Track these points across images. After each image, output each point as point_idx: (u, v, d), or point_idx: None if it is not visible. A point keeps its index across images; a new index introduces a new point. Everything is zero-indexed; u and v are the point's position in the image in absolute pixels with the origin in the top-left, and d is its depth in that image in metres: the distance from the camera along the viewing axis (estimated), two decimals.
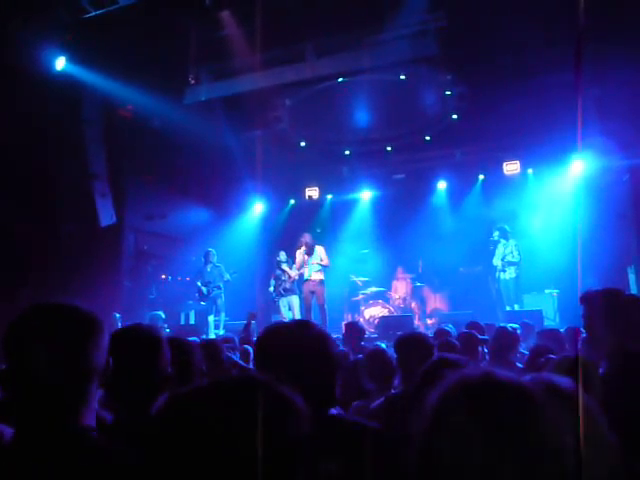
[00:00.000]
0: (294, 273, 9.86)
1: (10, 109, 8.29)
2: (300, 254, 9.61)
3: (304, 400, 1.55)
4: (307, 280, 9.56)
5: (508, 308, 9.60)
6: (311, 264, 9.47)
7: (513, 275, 9.78)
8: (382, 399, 2.80)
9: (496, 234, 10.03)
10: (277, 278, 10.25)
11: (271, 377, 1.02)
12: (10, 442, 1.27)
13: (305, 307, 9.57)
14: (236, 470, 0.89)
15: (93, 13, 8.48)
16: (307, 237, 9.62)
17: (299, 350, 1.61)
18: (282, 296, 10.06)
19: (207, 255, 10.48)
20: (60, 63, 9.04)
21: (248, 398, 0.94)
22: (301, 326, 1.73)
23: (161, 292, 11.34)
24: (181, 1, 8.35)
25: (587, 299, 2.60)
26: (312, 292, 9.44)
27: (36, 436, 1.23)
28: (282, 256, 10.24)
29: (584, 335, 3.10)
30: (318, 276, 9.49)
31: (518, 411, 0.89)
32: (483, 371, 0.96)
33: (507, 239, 9.97)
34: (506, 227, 10.11)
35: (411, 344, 3.07)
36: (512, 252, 9.82)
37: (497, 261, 9.96)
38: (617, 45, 8.09)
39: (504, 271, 9.85)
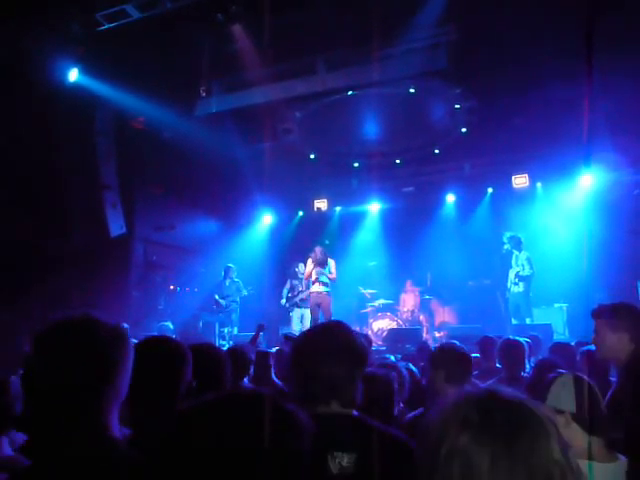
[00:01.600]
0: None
1: (23, 120, 8.40)
2: (309, 265, 9.60)
3: (329, 397, 1.57)
4: (313, 293, 9.53)
5: (514, 322, 9.53)
6: (320, 275, 9.44)
7: (521, 290, 9.64)
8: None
9: (507, 246, 9.95)
10: (293, 288, 10.39)
11: (275, 392, 1.03)
12: (25, 449, 1.30)
13: (313, 319, 9.56)
14: None
15: (107, 26, 8.60)
16: (319, 251, 9.59)
17: (328, 350, 1.66)
18: (297, 307, 10.19)
19: (227, 270, 10.94)
20: (73, 75, 9.15)
21: (251, 414, 0.95)
22: (332, 327, 1.77)
23: (169, 303, 11.37)
24: (193, 15, 8.43)
25: (599, 313, 2.59)
26: (318, 305, 9.41)
27: (55, 442, 1.23)
28: (301, 267, 10.38)
29: (592, 349, 3.08)
30: (325, 289, 9.48)
31: (525, 430, 0.89)
32: (487, 389, 0.96)
33: (520, 250, 9.84)
34: (520, 236, 9.97)
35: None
36: (524, 265, 9.70)
37: (512, 272, 9.82)
38: (627, 59, 8.10)
39: (516, 284, 9.72)
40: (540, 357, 5.64)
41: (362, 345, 1.72)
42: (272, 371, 4.51)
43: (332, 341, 1.68)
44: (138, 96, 9.34)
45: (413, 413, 2.92)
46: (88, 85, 9.32)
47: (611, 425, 1.93)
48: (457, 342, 5.27)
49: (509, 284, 9.92)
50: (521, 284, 9.66)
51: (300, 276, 10.28)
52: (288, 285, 10.58)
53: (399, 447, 1.62)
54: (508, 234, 10.09)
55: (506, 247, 9.95)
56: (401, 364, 3.78)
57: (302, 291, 10.16)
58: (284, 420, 0.97)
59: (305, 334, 1.79)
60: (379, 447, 1.58)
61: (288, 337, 4.25)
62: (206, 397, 1.01)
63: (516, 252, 9.86)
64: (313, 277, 9.48)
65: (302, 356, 1.71)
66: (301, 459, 0.97)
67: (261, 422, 0.94)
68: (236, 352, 3.73)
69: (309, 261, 9.63)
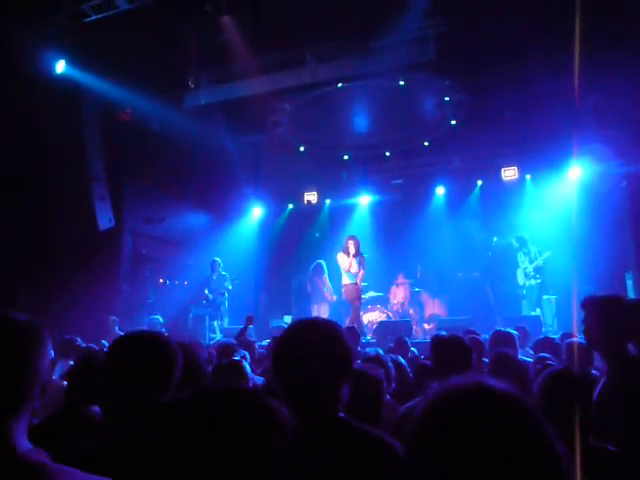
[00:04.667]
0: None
1: (10, 111, 8.30)
2: (346, 257, 9.26)
3: (312, 401, 1.55)
4: (354, 284, 9.26)
5: (535, 312, 9.70)
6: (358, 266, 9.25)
7: (539, 281, 10.07)
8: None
9: (516, 245, 10.28)
10: (315, 284, 10.76)
11: (256, 388, 1.02)
12: None
13: (357, 311, 9.33)
14: None
15: (94, 17, 8.52)
16: (357, 240, 9.34)
17: (309, 350, 1.62)
18: (318, 303, 10.51)
19: (213, 264, 10.97)
20: (60, 66, 9.06)
21: (230, 410, 0.94)
22: (314, 325, 1.72)
23: (159, 296, 11.34)
24: (181, 6, 8.37)
25: (588, 305, 2.61)
26: (355, 297, 9.23)
27: None
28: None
29: (581, 341, 3.11)
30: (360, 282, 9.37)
31: (512, 422, 0.84)
32: (474, 381, 0.90)
33: (527, 247, 10.20)
34: (524, 236, 10.34)
35: (449, 346, 3.01)
36: (536, 258, 10.09)
37: (529, 268, 10.14)
38: (614, 53, 8.14)
39: (535, 278, 10.07)
40: (528, 349, 5.70)
41: (346, 345, 1.67)
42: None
43: (314, 344, 1.62)
44: (126, 88, 9.26)
45: (404, 406, 2.87)
46: (75, 77, 9.22)
47: (598, 430, 1.92)
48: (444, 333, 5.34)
49: (523, 280, 10.18)
50: (538, 276, 10.07)
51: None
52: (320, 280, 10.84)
53: (384, 449, 1.58)
54: (514, 237, 10.47)
55: (516, 246, 10.29)
56: (388, 357, 3.79)
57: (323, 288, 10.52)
58: (264, 416, 0.97)
59: (285, 336, 1.70)
60: (364, 449, 1.56)
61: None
62: (185, 392, 1.01)
63: (525, 250, 10.21)
64: (354, 269, 9.23)
65: (282, 361, 1.66)
66: (281, 456, 0.95)
67: (241, 418, 0.93)
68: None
69: (346, 252, 9.28)
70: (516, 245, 10.34)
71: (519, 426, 0.84)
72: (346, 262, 9.21)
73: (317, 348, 1.61)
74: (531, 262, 10.14)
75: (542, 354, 3.97)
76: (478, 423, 0.83)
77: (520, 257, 10.28)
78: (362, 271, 9.36)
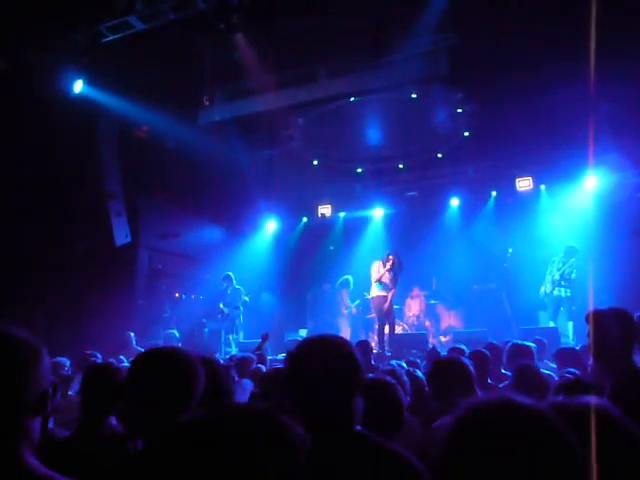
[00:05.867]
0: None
1: (29, 131, 8.48)
2: (382, 267, 9.30)
3: (325, 416, 1.57)
4: (384, 297, 9.22)
5: (552, 324, 9.44)
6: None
7: (569, 294, 9.63)
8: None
9: (569, 251, 9.79)
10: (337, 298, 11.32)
11: (273, 406, 1.03)
12: None
13: (382, 323, 9.29)
14: None
15: (110, 37, 8.68)
16: (397, 257, 9.36)
17: (318, 366, 1.64)
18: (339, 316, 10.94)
19: (227, 278, 11.06)
20: (78, 86, 9.23)
21: (246, 429, 0.95)
22: (323, 342, 1.74)
23: (175, 311, 11.41)
24: (195, 25, 8.51)
25: (593, 318, 2.59)
26: (384, 309, 9.21)
27: None
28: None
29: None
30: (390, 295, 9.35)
31: (538, 439, 0.83)
32: (501, 396, 0.90)
33: (574, 257, 9.70)
34: (575, 246, 9.84)
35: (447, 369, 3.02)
36: (573, 270, 9.61)
37: (557, 275, 9.72)
38: (629, 61, 8.10)
39: (565, 287, 9.62)
40: (546, 361, 5.64)
41: (355, 359, 1.69)
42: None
43: (323, 361, 1.65)
44: (142, 106, 9.40)
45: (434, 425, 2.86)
46: (92, 96, 9.39)
47: None
48: (464, 346, 5.31)
49: (551, 287, 9.77)
50: (567, 285, 9.62)
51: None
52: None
53: (400, 464, 1.58)
54: (566, 246, 9.91)
55: (565, 259, 9.78)
56: (403, 370, 3.78)
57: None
58: (279, 436, 0.97)
59: (295, 354, 1.73)
60: (379, 464, 1.57)
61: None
62: (203, 410, 1.02)
63: (565, 259, 9.75)
64: (386, 280, 9.23)
65: (293, 378, 1.69)
66: (295, 475, 0.96)
67: (256, 437, 0.94)
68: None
69: (384, 264, 9.31)
70: (564, 257, 9.76)
71: (547, 443, 0.84)
72: (379, 271, 9.24)
73: (326, 364, 1.63)
74: (560, 270, 9.71)
75: (570, 369, 3.89)
76: (506, 441, 0.83)
77: (554, 265, 9.85)
78: (393, 290, 9.31)
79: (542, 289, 9.94)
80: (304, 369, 1.67)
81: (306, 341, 1.78)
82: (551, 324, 9.54)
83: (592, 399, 0.94)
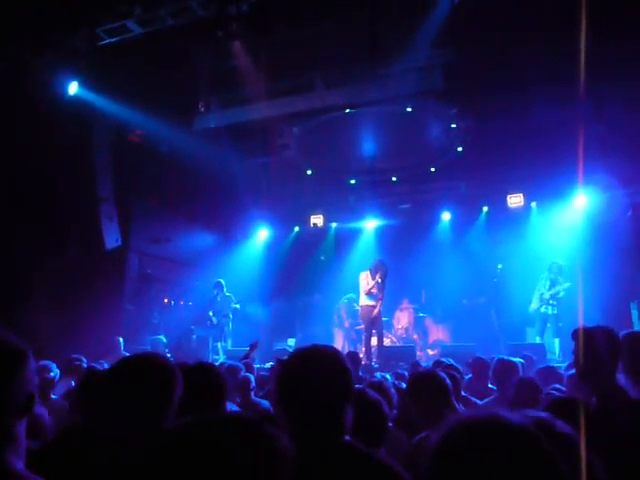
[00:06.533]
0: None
1: (22, 132, 8.45)
2: (370, 278, 9.33)
3: (317, 425, 1.59)
4: (373, 306, 9.28)
5: (538, 340, 9.52)
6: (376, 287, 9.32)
7: (556, 311, 9.70)
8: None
9: (554, 267, 9.88)
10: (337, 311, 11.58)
11: (258, 415, 1.02)
12: None
13: (369, 333, 9.33)
14: None
15: (107, 41, 8.69)
16: (384, 266, 9.39)
17: (313, 376, 1.66)
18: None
19: (217, 286, 11.00)
20: (73, 88, 9.22)
21: (233, 438, 0.95)
22: (315, 352, 1.76)
23: (164, 316, 11.34)
24: (193, 31, 8.54)
25: (578, 336, 2.61)
26: (372, 318, 9.25)
27: None
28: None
29: (573, 372, 3.09)
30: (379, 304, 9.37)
31: (526, 457, 0.82)
32: (488, 413, 0.89)
33: (561, 275, 9.81)
34: (560, 262, 9.93)
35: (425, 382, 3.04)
36: (559, 288, 9.71)
37: (546, 294, 9.81)
38: (619, 82, 8.22)
39: (552, 306, 9.72)
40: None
41: (346, 370, 1.71)
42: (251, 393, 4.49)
43: (316, 371, 1.67)
44: (137, 110, 9.41)
45: (416, 438, 2.87)
46: (87, 98, 9.38)
47: None
48: (452, 360, 5.33)
49: (538, 304, 9.87)
50: (555, 304, 9.70)
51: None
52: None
53: (389, 475, 1.60)
54: (552, 261, 10.01)
55: (552, 277, 9.87)
56: (390, 383, 3.78)
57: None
58: (265, 445, 0.97)
59: (287, 364, 1.75)
60: (367, 474, 1.58)
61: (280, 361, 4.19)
62: (189, 419, 1.02)
63: (552, 276, 9.84)
64: (375, 291, 9.27)
65: (285, 389, 1.70)
66: None
67: (241, 447, 0.94)
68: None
69: (372, 274, 9.32)
70: (550, 274, 9.87)
71: (532, 462, 0.83)
72: (368, 283, 9.26)
73: (319, 373, 1.65)
74: (550, 289, 9.82)
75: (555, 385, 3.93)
76: (491, 458, 0.83)
77: (541, 282, 9.97)
78: (381, 299, 9.36)
79: (532, 305, 10.01)
80: (296, 378, 1.68)
81: (299, 350, 1.80)
82: (537, 340, 9.59)
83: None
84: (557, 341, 9.55)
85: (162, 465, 0.93)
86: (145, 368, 1.87)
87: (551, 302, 9.76)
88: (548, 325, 9.89)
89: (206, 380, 2.44)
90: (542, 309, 9.82)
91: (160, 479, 0.92)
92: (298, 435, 1.57)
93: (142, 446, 1.63)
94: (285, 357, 1.81)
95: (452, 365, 4.40)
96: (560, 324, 9.74)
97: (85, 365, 5.34)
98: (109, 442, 1.83)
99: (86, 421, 2.55)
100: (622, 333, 2.79)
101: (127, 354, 7.15)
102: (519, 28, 7.69)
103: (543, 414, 0.91)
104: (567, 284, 9.68)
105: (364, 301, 9.34)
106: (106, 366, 5.58)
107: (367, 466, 1.61)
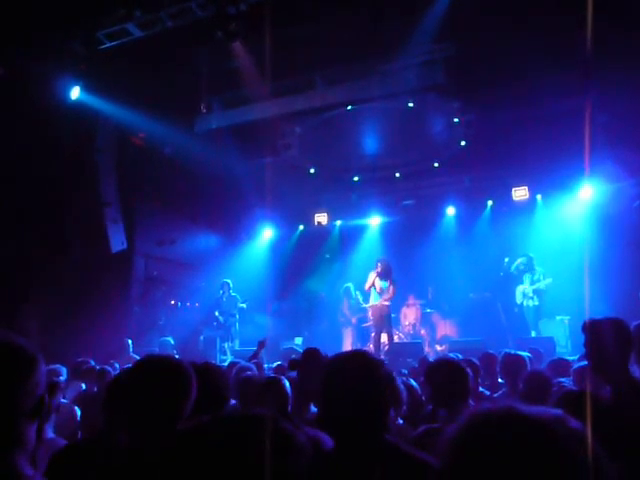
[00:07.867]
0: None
1: (25, 137, 8.46)
2: (371, 276, 9.62)
3: (361, 428, 1.69)
4: (375, 305, 9.60)
5: (534, 334, 9.68)
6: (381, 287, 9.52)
7: (537, 303, 9.96)
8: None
9: (522, 260, 10.17)
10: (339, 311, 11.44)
11: (274, 413, 1.03)
12: None
13: (379, 334, 9.60)
14: None
15: (108, 44, 8.70)
16: (384, 262, 9.68)
17: (355, 379, 1.75)
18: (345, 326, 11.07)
19: (224, 286, 11.09)
20: (75, 92, 9.23)
21: (251, 435, 0.95)
22: (354, 358, 1.85)
23: (170, 318, 11.36)
24: (193, 33, 8.53)
25: (589, 328, 2.58)
26: (382, 317, 9.52)
27: None
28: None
29: (586, 364, 3.07)
30: (387, 302, 9.60)
31: (542, 449, 0.82)
32: (505, 405, 0.89)
33: (534, 267, 10.11)
34: (531, 255, 10.24)
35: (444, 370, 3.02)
36: (539, 280, 9.99)
37: (528, 288, 10.08)
38: (625, 72, 8.15)
39: (532, 299, 9.98)
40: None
41: (386, 374, 1.80)
42: None
43: (357, 376, 1.76)
44: (139, 113, 9.41)
45: (424, 427, 2.84)
46: (90, 102, 9.40)
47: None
48: (459, 355, 5.29)
49: (521, 299, 10.12)
50: (535, 298, 9.98)
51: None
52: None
53: (427, 470, 1.66)
54: (521, 259, 10.31)
55: (521, 268, 10.18)
56: (399, 379, 3.76)
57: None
58: (282, 442, 0.97)
59: (330, 370, 1.83)
60: (410, 473, 1.67)
61: (293, 362, 4.13)
62: (205, 418, 1.02)
63: (531, 270, 10.13)
64: (377, 289, 9.54)
65: (330, 394, 1.78)
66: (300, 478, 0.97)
67: (259, 443, 0.94)
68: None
69: (375, 272, 9.63)
70: (521, 267, 10.22)
71: (550, 454, 0.82)
72: (369, 281, 9.58)
73: (363, 380, 1.76)
74: (532, 283, 10.06)
75: (560, 379, 3.91)
76: (508, 451, 0.82)
77: (526, 276, 10.21)
78: (389, 295, 9.55)
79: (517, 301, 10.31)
80: (338, 383, 1.77)
81: (338, 356, 1.89)
82: (533, 334, 9.65)
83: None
84: (534, 333, 9.79)
85: (186, 464, 0.94)
86: (166, 371, 1.89)
87: (530, 295, 10.06)
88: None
89: (209, 380, 2.43)
90: (525, 303, 10.11)
91: (184, 477, 0.93)
92: (343, 435, 1.69)
93: (161, 447, 1.65)
94: (328, 361, 1.90)
95: (470, 360, 4.38)
96: (558, 317, 10.03)
97: (96, 368, 5.34)
98: (132, 444, 1.84)
99: (111, 425, 2.53)
100: (634, 324, 2.77)
101: (135, 356, 7.17)
102: (521, 19, 7.65)
103: (556, 411, 0.90)
104: (549, 280, 9.94)
105: (372, 300, 9.64)
106: (117, 366, 5.62)
107: (408, 463, 1.70)
